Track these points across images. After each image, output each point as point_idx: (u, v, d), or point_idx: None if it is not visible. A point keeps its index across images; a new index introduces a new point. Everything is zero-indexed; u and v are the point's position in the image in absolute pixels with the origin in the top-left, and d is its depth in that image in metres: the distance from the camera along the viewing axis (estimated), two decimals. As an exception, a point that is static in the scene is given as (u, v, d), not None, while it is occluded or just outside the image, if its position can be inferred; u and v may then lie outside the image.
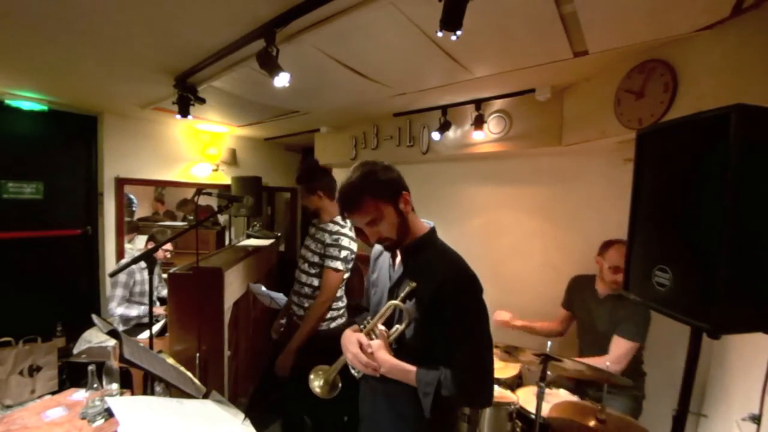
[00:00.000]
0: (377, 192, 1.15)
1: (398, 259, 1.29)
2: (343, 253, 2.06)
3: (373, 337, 1.21)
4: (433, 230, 1.27)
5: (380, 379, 1.17)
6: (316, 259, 2.12)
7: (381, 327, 1.20)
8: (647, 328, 1.90)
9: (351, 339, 1.22)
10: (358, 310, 1.52)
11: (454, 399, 1.10)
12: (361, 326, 1.30)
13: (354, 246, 2.13)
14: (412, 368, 1.13)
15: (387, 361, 1.14)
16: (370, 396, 1.31)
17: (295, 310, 2.24)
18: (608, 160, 2.53)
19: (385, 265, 1.34)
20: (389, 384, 1.18)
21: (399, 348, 1.19)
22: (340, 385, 1.30)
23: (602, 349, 1.97)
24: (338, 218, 2.15)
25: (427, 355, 1.14)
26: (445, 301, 1.11)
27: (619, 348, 1.89)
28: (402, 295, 1.17)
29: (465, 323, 1.11)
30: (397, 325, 1.19)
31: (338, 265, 2.04)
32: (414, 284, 1.15)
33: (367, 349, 1.17)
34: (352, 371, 1.30)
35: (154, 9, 1.61)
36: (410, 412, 1.17)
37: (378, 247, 1.41)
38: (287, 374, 2.05)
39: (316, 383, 1.30)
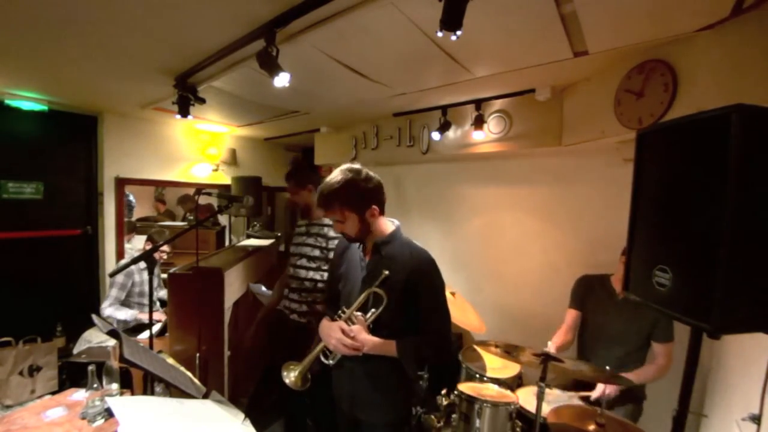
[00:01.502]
0: (346, 202, 1.36)
1: (368, 252, 1.48)
2: None
3: (349, 324, 1.39)
4: (398, 228, 1.49)
5: (359, 360, 1.38)
6: (316, 252, 2.14)
7: (357, 313, 1.40)
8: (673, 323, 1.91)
9: (332, 327, 1.40)
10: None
11: (430, 357, 1.41)
12: (335, 317, 1.44)
13: None
14: (392, 342, 1.36)
15: (369, 340, 1.35)
16: (347, 378, 1.49)
17: (295, 308, 2.20)
18: (608, 160, 2.53)
19: (355, 258, 1.51)
20: (367, 364, 1.40)
21: (375, 329, 1.39)
22: (309, 377, 1.44)
23: (622, 352, 1.96)
24: None
25: (401, 330, 1.38)
26: (417, 283, 1.36)
27: (666, 353, 1.91)
28: (376, 282, 1.37)
29: (433, 297, 1.39)
30: (373, 309, 1.38)
31: None
32: (386, 272, 1.37)
33: (349, 333, 1.36)
34: (325, 360, 1.45)
35: (154, 9, 1.61)
36: (389, 384, 1.44)
37: (343, 243, 1.60)
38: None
39: (292, 375, 1.42)
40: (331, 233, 2.13)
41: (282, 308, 2.32)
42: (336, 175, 1.37)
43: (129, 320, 2.90)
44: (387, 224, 1.47)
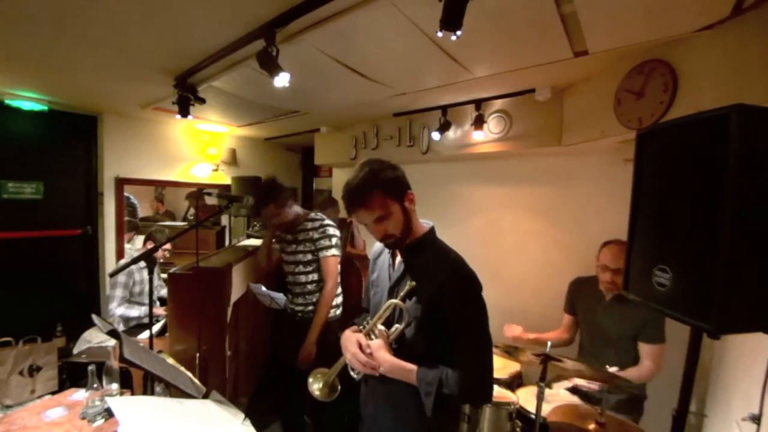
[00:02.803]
0: (386, 188, 1.14)
1: (398, 258, 1.28)
2: (334, 240, 2.22)
3: (372, 337, 1.22)
4: (432, 230, 1.27)
5: (381, 380, 1.18)
6: (309, 257, 2.23)
7: (380, 327, 1.20)
8: (664, 325, 1.89)
9: (350, 339, 1.23)
10: (359, 311, 1.52)
11: (455, 397, 1.11)
12: (361, 327, 1.30)
13: (336, 230, 2.27)
14: (413, 367, 1.14)
15: (387, 360, 1.15)
16: (371, 398, 1.32)
17: (300, 309, 2.30)
18: (608, 160, 2.53)
19: (385, 265, 1.33)
20: (390, 385, 1.19)
21: (399, 347, 1.19)
22: (339, 387, 1.31)
23: (614, 354, 1.94)
24: (311, 214, 2.29)
25: (427, 354, 1.15)
26: (446, 300, 1.11)
27: (653, 355, 1.88)
28: (402, 294, 1.17)
29: (466, 322, 1.13)
30: (397, 325, 1.18)
31: (334, 251, 2.21)
32: (413, 283, 1.15)
33: (366, 349, 1.18)
34: (351, 373, 1.29)
35: (154, 9, 1.61)
36: (412, 413, 1.18)
37: (378, 247, 1.41)
38: (310, 365, 2.07)
39: (316, 386, 1.30)
40: (316, 235, 2.20)
41: (288, 311, 2.39)
42: (361, 168, 1.16)
43: (142, 315, 2.95)
44: (419, 224, 1.25)
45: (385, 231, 1.17)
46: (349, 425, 2.31)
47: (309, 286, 2.26)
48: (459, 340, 1.12)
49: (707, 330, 0.77)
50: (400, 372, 1.15)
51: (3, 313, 3.01)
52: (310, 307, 2.26)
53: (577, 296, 2.21)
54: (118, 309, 2.90)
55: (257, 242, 3.60)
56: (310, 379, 1.32)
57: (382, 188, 1.13)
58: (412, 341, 1.18)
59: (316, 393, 1.29)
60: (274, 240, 2.40)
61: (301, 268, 2.26)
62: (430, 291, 1.13)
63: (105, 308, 3.57)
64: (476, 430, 1.77)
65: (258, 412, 2.70)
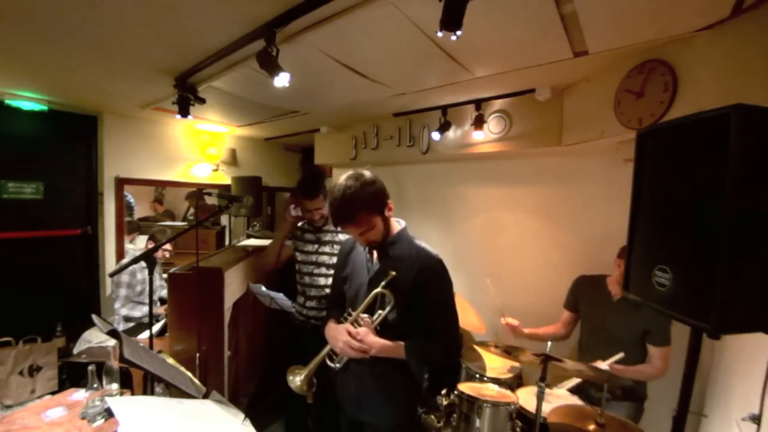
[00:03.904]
0: (369, 206, 1.31)
1: (375, 254, 1.45)
2: None
3: (356, 326, 1.37)
4: (405, 228, 1.47)
5: (366, 363, 1.37)
6: (335, 260, 2.15)
7: (364, 315, 1.38)
8: (670, 328, 1.91)
9: (339, 330, 1.38)
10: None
11: (438, 359, 1.37)
12: (341, 319, 1.43)
13: None
14: (400, 343, 1.34)
15: (377, 342, 1.34)
16: (353, 381, 1.48)
17: (314, 314, 2.23)
18: (608, 160, 2.53)
19: (361, 260, 1.49)
20: (376, 366, 1.38)
21: (382, 330, 1.38)
22: (315, 381, 1.42)
23: (614, 351, 1.93)
24: None
25: (408, 331, 1.36)
26: (425, 284, 1.34)
27: (662, 357, 1.91)
28: (383, 283, 1.34)
29: (442, 298, 1.38)
30: (380, 311, 1.37)
31: None
32: (394, 273, 1.34)
33: (356, 336, 1.33)
34: (331, 364, 1.43)
35: (154, 9, 1.61)
36: (397, 383, 1.41)
37: (347, 245, 1.59)
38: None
39: (298, 379, 1.40)
40: (343, 237, 2.17)
41: (298, 316, 2.31)
42: (347, 185, 1.29)
43: (145, 315, 2.95)
44: (394, 224, 1.45)
45: (368, 239, 1.37)
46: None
47: (327, 290, 2.19)
48: (436, 313, 1.35)
49: (707, 330, 0.77)
50: (390, 350, 1.34)
51: (3, 313, 3.00)
52: (323, 313, 2.13)
53: (581, 294, 2.20)
54: (122, 310, 2.92)
55: (257, 242, 3.60)
56: (290, 377, 1.42)
57: (364, 209, 1.30)
58: (394, 323, 1.37)
59: (297, 385, 1.40)
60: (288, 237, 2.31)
61: (323, 270, 2.21)
62: (410, 278, 1.34)
63: (105, 308, 3.57)
64: (476, 430, 1.77)
65: (258, 412, 2.70)
